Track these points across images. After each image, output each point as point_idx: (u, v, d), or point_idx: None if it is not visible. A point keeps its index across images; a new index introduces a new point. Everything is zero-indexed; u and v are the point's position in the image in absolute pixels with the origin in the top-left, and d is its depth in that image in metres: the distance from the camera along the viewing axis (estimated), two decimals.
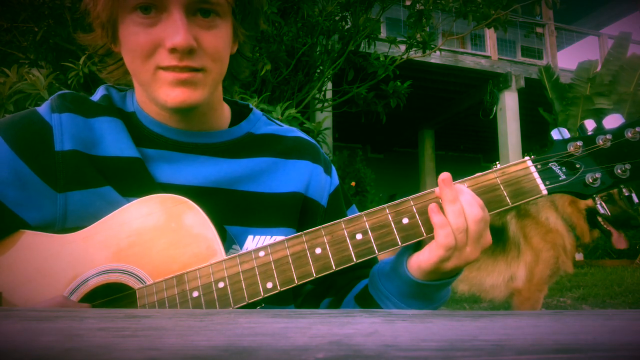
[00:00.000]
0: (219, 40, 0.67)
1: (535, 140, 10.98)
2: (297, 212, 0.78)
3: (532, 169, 0.65)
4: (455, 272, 0.66)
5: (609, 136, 0.64)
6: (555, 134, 0.67)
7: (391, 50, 4.46)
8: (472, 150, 13.97)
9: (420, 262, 0.64)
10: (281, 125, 0.86)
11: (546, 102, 8.36)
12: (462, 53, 8.89)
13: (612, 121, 0.66)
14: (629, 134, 0.64)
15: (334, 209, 0.83)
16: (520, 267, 2.69)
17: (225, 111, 0.81)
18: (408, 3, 4.24)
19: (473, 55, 9.04)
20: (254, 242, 0.74)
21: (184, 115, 0.73)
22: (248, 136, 0.80)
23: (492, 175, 0.66)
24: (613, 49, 8.18)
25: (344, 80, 4.49)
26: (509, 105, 8.92)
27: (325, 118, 3.96)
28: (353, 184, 6.38)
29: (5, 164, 0.65)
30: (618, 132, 0.65)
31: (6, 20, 3.23)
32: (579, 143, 0.65)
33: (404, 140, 12.36)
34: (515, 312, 0.55)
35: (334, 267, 0.63)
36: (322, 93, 4.62)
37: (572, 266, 2.71)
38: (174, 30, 0.62)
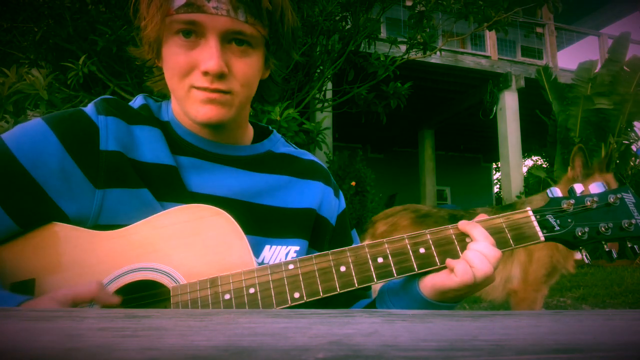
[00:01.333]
0: (248, 68, 0.74)
1: (535, 140, 10.98)
2: (310, 227, 0.85)
3: (533, 218, 0.75)
4: (461, 299, 0.74)
5: (595, 198, 0.76)
6: (549, 193, 0.79)
7: (391, 50, 4.46)
8: (472, 150, 13.97)
9: (435, 282, 0.71)
10: (296, 148, 0.94)
11: (546, 102, 8.36)
12: (462, 53, 8.89)
13: (595, 188, 0.79)
14: (611, 199, 0.76)
15: (341, 228, 0.91)
16: (514, 267, 2.68)
17: (249, 130, 0.89)
18: (409, 4, 4.24)
19: (473, 55, 9.04)
20: (271, 251, 0.79)
21: (212, 130, 0.80)
22: (269, 153, 0.87)
23: (498, 220, 0.75)
24: (612, 50, 8.17)
25: (344, 80, 4.49)
26: (509, 105, 8.92)
27: (324, 118, 3.96)
28: (353, 183, 6.37)
29: (54, 156, 0.69)
30: (603, 196, 0.76)
31: (6, 20, 3.23)
32: (572, 201, 0.76)
33: (404, 140, 12.36)
34: (515, 312, 0.56)
35: (356, 285, 0.69)
36: (322, 93, 4.62)
37: (573, 264, 2.69)
38: (209, 55, 0.69)
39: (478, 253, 0.69)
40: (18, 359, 0.23)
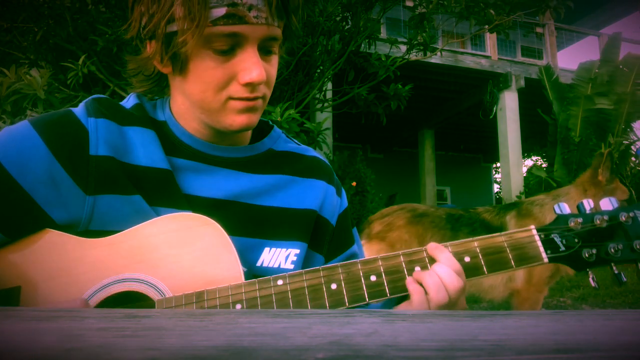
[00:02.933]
0: (274, 70, 0.74)
1: (535, 141, 10.97)
2: (311, 229, 0.81)
3: (536, 237, 0.71)
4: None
5: (605, 217, 0.70)
6: (556, 209, 0.74)
7: (392, 51, 4.46)
8: (472, 150, 13.96)
9: None
10: (299, 144, 0.90)
11: (546, 102, 8.36)
12: (462, 53, 8.89)
13: (606, 204, 0.73)
14: (622, 218, 0.70)
15: (342, 228, 0.87)
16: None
17: None
18: (410, 4, 4.24)
19: (473, 55, 9.04)
20: (270, 253, 0.76)
21: (219, 133, 0.76)
22: (269, 152, 0.84)
23: (500, 239, 0.71)
24: (606, 50, 8.18)
25: (344, 80, 4.49)
26: (509, 105, 8.92)
27: (325, 119, 3.96)
28: (354, 184, 6.38)
29: (41, 163, 0.67)
30: (614, 214, 0.71)
31: (6, 21, 3.23)
32: (580, 220, 0.71)
33: (404, 140, 12.36)
34: (515, 312, 0.56)
35: (347, 304, 0.65)
36: (322, 93, 4.62)
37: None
38: (251, 66, 0.67)
39: (436, 277, 0.65)
40: (18, 359, 0.23)
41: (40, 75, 2.71)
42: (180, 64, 0.69)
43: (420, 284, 0.66)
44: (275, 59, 0.73)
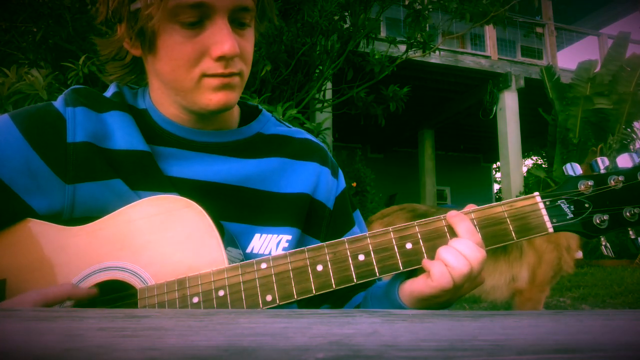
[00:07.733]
0: (250, 44, 0.70)
1: (535, 141, 10.98)
2: (304, 213, 0.78)
3: (541, 205, 0.64)
4: (445, 306, 0.66)
5: (621, 177, 0.63)
6: (568, 169, 0.67)
7: (391, 50, 4.46)
8: (472, 150, 13.96)
9: (413, 289, 0.64)
10: (290, 127, 0.87)
11: (546, 102, 8.36)
12: (462, 53, 8.89)
13: (625, 160, 0.64)
14: None
15: (340, 211, 0.83)
16: (523, 268, 2.69)
17: (235, 111, 0.82)
18: (407, 2, 4.25)
19: (473, 55, 9.03)
20: (261, 240, 0.74)
21: (208, 117, 0.74)
22: (258, 136, 0.81)
23: (499, 209, 0.65)
24: (612, 49, 8.19)
25: (344, 80, 4.49)
26: (509, 105, 8.91)
27: (325, 119, 3.96)
28: (354, 184, 6.38)
29: (18, 153, 0.67)
30: (631, 174, 0.63)
31: (5, 21, 3.23)
32: (590, 182, 0.63)
33: (404, 140, 12.35)
34: (515, 312, 0.55)
35: (334, 286, 0.63)
36: (322, 93, 4.62)
37: (573, 266, 2.71)
38: (221, 38, 0.64)
39: (455, 251, 0.61)
40: (18, 359, 0.23)
41: (42, 75, 2.71)
42: (149, 42, 0.67)
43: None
44: (250, 33, 0.70)
